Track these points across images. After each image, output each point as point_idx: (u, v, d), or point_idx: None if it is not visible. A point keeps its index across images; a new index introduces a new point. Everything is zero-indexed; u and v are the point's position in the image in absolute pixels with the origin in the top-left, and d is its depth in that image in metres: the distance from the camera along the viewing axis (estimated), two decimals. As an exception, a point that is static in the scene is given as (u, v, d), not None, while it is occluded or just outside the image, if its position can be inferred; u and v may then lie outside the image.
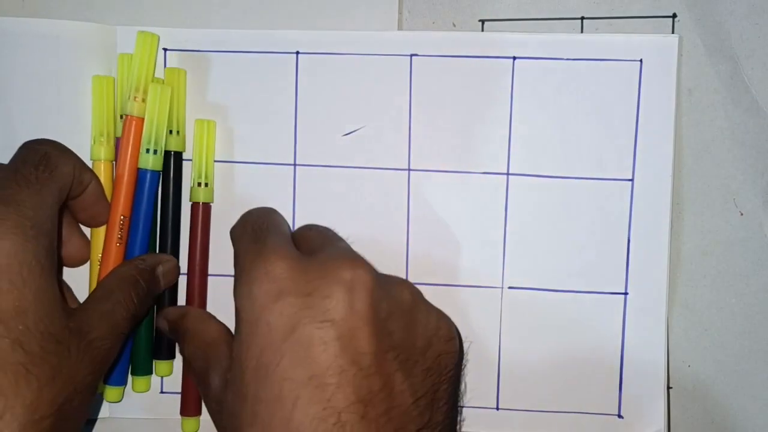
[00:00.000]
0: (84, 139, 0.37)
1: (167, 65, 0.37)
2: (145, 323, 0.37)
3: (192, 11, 0.38)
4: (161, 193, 0.37)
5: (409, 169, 0.37)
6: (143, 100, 0.35)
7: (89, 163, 0.36)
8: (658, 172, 0.36)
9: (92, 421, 0.38)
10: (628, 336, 0.37)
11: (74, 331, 0.29)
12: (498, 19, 0.37)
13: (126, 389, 0.37)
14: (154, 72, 0.37)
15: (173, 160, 0.37)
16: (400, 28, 0.37)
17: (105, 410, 0.38)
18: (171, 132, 0.36)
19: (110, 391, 0.36)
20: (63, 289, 0.35)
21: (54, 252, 0.30)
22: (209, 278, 0.37)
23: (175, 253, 0.37)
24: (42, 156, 0.31)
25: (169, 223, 0.37)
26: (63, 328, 0.29)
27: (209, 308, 0.37)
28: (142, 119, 0.35)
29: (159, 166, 0.36)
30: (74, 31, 0.37)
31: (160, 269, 0.35)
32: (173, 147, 0.37)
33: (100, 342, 0.30)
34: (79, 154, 0.35)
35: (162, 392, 0.38)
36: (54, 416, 0.27)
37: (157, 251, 0.37)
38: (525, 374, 0.37)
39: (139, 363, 0.37)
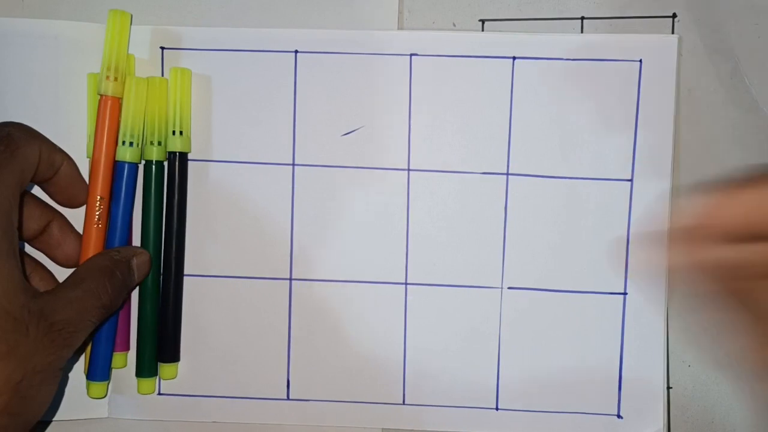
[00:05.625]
0: (80, 138, 0.36)
1: (165, 64, 0.37)
2: (150, 324, 0.36)
3: (190, 9, 0.37)
4: (166, 194, 0.36)
5: (409, 169, 0.37)
6: (116, 79, 0.35)
7: (85, 161, 0.36)
8: (658, 172, 0.36)
9: (86, 420, 0.38)
10: (628, 336, 0.37)
11: (35, 312, 0.29)
12: (498, 19, 0.37)
13: (131, 391, 0.37)
14: (127, 50, 0.36)
15: (178, 161, 0.36)
16: (400, 27, 0.37)
17: (103, 410, 0.37)
18: (174, 133, 0.36)
19: (93, 387, 0.36)
20: (29, 270, 0.35)
21: (14, 232, 0.30)
22: (209, 279, 0.37)
23: (180, 257, 0.37)
24: (4, 136, 0.31)
25: (174, 224, 0.36)
26: (21, 307, 0.29)
27: (205, 309, 0.37)
28: (118, 99, 0.35)
29: (136, 159, 0.35)
30: (72, 31, 0.36)
31: (134, 261, 0.35)
32: (178, 148, 0.36)
33: (63, 325, 0.30)
34: (75, 153, 0.35)
35: (159, 394, 0.38)
36: (10, 393, 0.28)
37: (162, 254, 0.37)
38: (525, 374, 0.37)
39: (144, 365, 0.37)
